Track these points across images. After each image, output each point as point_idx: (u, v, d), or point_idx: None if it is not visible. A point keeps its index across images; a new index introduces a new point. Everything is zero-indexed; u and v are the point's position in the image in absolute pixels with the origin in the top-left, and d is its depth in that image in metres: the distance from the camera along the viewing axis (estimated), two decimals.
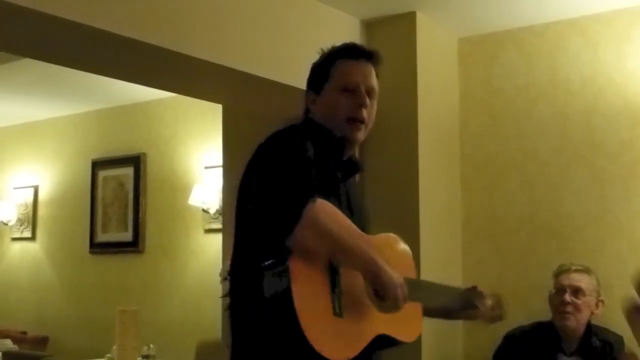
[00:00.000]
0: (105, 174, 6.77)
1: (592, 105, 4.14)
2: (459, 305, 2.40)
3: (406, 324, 2.21)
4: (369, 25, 4.34)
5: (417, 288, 2.24)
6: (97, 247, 6.75)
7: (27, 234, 7.35)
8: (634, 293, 2.26)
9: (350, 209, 2.23)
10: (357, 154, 2.54)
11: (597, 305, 3.64)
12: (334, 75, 2.28)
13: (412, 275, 2.27)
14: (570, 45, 4.24)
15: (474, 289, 2.44)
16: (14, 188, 7.50)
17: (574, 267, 3.67)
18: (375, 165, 4.27)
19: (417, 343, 4.11)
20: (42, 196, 7.30)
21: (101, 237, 6.73)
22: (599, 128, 4.12)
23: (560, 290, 3.63)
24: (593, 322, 3.64)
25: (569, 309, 3.56)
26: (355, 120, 2.25)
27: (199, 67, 3.50)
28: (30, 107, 6.93)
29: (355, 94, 2.25)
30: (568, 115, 4.21)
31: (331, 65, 2.31)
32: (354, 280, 2.04)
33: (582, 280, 3.62)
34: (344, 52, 2.32)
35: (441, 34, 4.45)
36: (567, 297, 3.59)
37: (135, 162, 6.52)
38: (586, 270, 3.67)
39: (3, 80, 5.98)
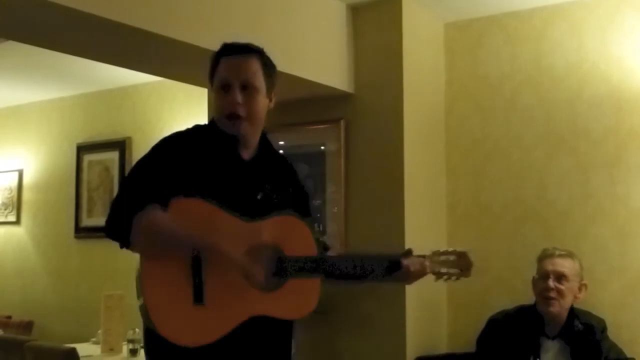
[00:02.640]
0: (91, 158, 6.75)
1: (577, 91, 4.15)
2: (385, 269, 2.46)
3: (294, 301, 2.32)
4: (354, 10, 4.34)
5: (313, 263, 2.34)
6: (83, 232, 6.73)
7: (12, 218, 7.33)
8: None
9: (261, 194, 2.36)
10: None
11: (580, 290, 3.67)
12: (217, 71, 2.35)
13: (310, 252, 2.38)
14: (555, 32, 4.25)
15: (406, 251, 2.52)
16: None
17: (557, 252, 3.69)
18: (361, 151, 4.29)
19: (401, 329, 4.17)
20: (26, 180, 7.27)
21: (86, 222, 6.71)
22: (583, 114, 4.13)
23: (544, 275, 3.66)
24: (576, 306, 3.69)
25: (553, 294, 3.59)
26: (233, 117, 2.30)
27: (184, 50, 3.49)
28: (15, 91, 6.88)
29: (228, 90, 2.30)
30: (553, 102, 4.22)
31: (216, 66, 2.37)
32: (226, 269, 2.18)
33: (565, 266, 3.64)
34: (222, 51, 2.38)
35: (427, 19, 4.45)
36: (551, 283, 3.62)
37: (121, 146, 6.50)
38: (570, 255, 3.69)
39: None
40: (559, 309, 3.61)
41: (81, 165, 6.81)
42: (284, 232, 2.32)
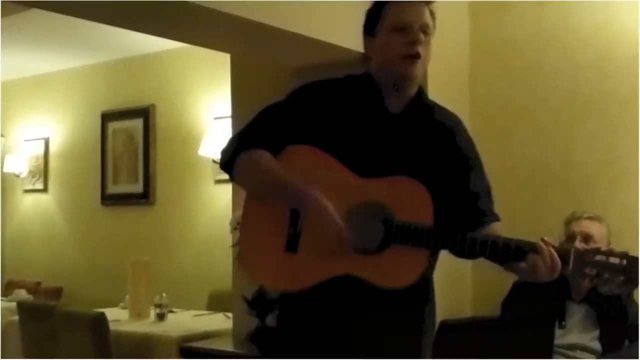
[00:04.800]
0: (115, 126, 6.75)
1: (605, 52, 4.06)
2: (507, 255, 2.25)
3: (392, 269, 2.18)
4: None
5: (420, 233, 2.20)
6: (109, 199, 6.76)
7: (40, 186, 7.36)
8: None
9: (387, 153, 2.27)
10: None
11: None
12: (387, 16, 2.32)
13: (423, 221, 2.23)
14: None
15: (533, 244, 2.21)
16: (25, 140, 7.49)
17: (585, 215, 3.64)
18: None
19: None
20: (53, 148, 7.29)
21: (112, 189, 6.73)
22: (611, 75, 4.04)
23: (571, 237, 3.60)
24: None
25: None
26: (410, 57, 2.28)
27: (206, 15, 3.45)
28: (39, 60, 6.88)
29: (408, 31, 2.28)
30: (579, 63, 4.14)
31: (383, 7, 2.34)
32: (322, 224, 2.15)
33: (592, 227, 3.59)
34: None
35: None
36: (577, 243, 3.57)
37: (145, 114, 6.49)
38: (597, 218, 3.64)
39: (11, 32, 5.92)
40: (588, 283, 3.56)
41: (106, 134, 6.82)
42: (399, 194, 2.21)
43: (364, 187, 2.16)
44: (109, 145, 6.81)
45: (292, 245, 2.15)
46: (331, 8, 4.00)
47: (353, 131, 2.22)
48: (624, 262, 2.17)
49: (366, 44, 2.40)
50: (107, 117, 6.84)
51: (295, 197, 2.14)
